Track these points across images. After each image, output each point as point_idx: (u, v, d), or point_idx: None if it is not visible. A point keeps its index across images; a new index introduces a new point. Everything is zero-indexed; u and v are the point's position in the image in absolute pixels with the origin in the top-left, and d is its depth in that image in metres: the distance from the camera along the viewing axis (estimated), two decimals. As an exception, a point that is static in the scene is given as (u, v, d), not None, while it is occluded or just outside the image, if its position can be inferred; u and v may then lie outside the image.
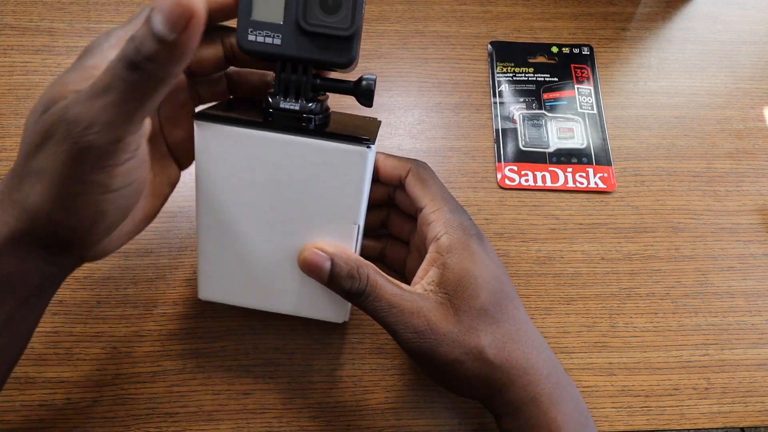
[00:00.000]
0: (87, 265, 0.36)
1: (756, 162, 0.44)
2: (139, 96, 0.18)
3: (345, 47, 0.24)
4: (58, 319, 0.35)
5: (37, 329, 0.34)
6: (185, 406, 0.33)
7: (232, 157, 0.25)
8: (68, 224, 0.21)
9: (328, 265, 0.26)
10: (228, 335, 0.35)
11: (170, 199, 0.29)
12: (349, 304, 0.30)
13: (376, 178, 0.32)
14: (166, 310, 0.36)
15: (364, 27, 0.25)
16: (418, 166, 0.30)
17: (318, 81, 0.25)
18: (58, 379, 0.33)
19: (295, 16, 0.23)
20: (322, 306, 0.29)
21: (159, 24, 0.17)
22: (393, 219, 0.35)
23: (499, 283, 0.27)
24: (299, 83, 0.25)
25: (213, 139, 0.25)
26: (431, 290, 0.27)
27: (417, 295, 0.26)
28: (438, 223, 0.28)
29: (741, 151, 0.45)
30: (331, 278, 0.26)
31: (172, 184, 0.28)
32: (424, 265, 0.28)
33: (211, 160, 0.26)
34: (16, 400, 0.33)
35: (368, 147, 0.25)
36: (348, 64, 0.25)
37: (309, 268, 0.26)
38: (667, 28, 0.50)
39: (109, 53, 0.21)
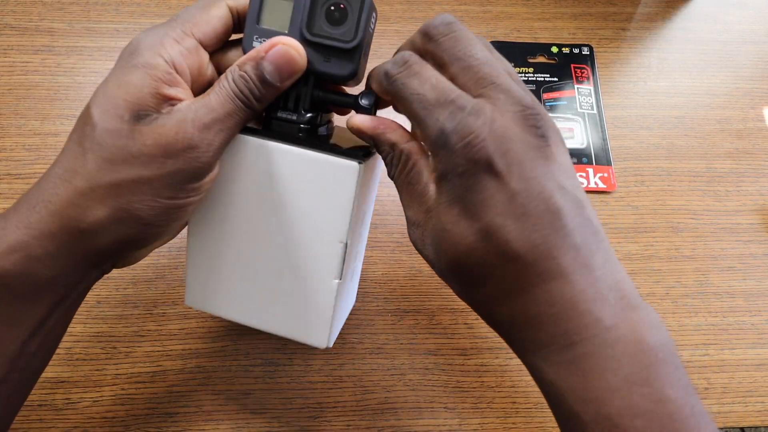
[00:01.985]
0: (87, 265, 0.36)
1: (756, 162, 0.44)
2: (241, 125, 0.23)
3: (347, 60, 0.24)
4: (58, 319, 0.35)
5: (37, 329, 0.34)
6: (185, 406, 0.33)
7: (226, 163, 0.25)
8: (157, 224, 0.22)
9: (374, 147, 0.25)
10: (228, 335, 0.35)
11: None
12: (333, 330, 0.28)
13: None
14: (166, 310, 0.36)
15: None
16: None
17: (319, 93, 0.25)
18: (57, 379, 0.33)
19: (299, 26, 0.23)
20: (306, 329, 0.28)
21: (271, 74, 0.22)
22: None
23: (486, 244, 0.20)
24: (299, 93, 0.25)
25: None
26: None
27: (423, 208, 0.23)
28: (430, 174, 0.22)
29: (741, 151, 0.45)
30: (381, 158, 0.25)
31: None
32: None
33: None
34: (16, 400, 0.33)
35: (359, 162, 0.24)
36: (349, 77, 0.24)
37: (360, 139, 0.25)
38: (667, 28, 0.50)
39: (160, 51, 0.22)
